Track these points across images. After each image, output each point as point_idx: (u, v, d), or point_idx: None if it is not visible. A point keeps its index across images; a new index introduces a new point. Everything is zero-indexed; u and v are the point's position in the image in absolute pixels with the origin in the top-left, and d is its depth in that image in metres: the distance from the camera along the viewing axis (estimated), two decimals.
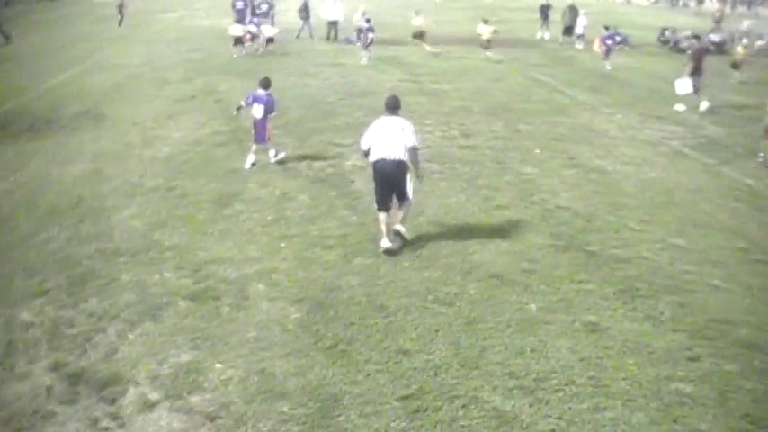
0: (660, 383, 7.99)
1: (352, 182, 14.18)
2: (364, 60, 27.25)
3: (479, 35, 30.33)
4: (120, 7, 37.49)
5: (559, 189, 14.16)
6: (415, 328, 8.93)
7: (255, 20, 31.01)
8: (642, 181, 14.89)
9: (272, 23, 32.30)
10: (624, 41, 35.38)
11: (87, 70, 25.92)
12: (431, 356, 8.34)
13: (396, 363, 8.20)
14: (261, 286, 9.89)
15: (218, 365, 8.06)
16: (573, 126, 19.47)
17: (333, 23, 33.92)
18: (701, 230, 12.43)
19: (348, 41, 33.01)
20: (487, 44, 29.69)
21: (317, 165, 15.15)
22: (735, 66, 27.78)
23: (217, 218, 12.25)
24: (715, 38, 36.00)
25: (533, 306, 9.58)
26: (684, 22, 40.27)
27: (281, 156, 15.24)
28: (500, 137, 17.94)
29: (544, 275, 10.45)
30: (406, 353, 8.40)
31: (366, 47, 27.80)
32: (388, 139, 10.92)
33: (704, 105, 21.35)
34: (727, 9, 54.82)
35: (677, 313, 9.52)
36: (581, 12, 36.44)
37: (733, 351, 8.69)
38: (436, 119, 19.17)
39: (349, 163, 15.34)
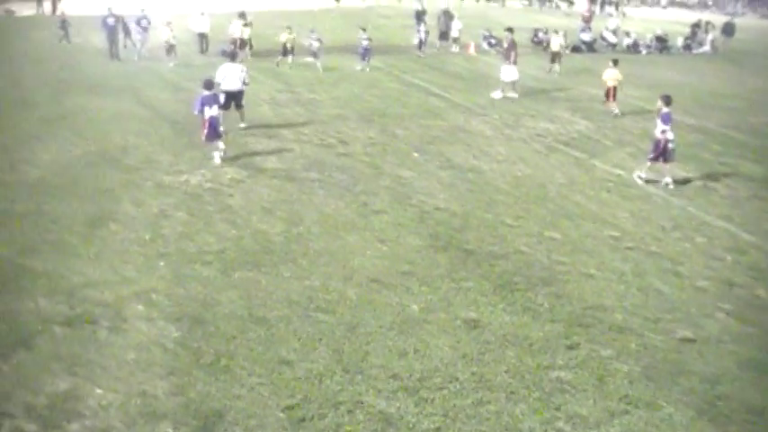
0: (541, 373, 8.23)
1: (230, 196, 14.01)
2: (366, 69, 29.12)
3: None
4: (64, 24, 36.05)
5: (436, 191, 14.38)
6: (298, 338, 8.92)
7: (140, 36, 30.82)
8: (516, 178, 15.28)
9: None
10: (499, 43, 36.13)
11: None
12: (313, 365, 8.34)
13: (278, 374, 8.17)
14: (139, 307, 9.66)
15: (98, 391, 7.83)
16: (449, 128, 19.81)
17: (202, 36, 33.47)
18: (574, 222, 12.84)
19: (223, 53, 32.44)
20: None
21: (194, 180, 14.89)
22: (553, 59, 30.46)
23: (91, 240, 11.87)
24: (586, 37, 37.25)
25: (414, 307, 9.70)
26: (558, 24, 41.40)
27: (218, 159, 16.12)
28: (377, 142, 18.09)
29: (423, 276, 10.59)
30: (288, 363, 8.38)
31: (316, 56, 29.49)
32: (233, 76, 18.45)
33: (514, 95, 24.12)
34: (597, 10, 56.81)
35: (554, 304, 9.82)
36: (455, 16, 37.05)
37: (609, 336, 9.04)
38: (313, 128, 19.22)
39: (227, 177, 15.12)
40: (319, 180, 14.97)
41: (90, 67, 28.51)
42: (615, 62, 22.15)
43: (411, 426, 7.26)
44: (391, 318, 9.38)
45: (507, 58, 24.56)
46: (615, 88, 21.83)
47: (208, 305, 9.69)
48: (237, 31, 31.90)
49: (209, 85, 16.18)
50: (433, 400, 7.69)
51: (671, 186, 14.87)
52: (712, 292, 10.29)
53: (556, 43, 30.82)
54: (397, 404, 7.60)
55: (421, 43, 34.39)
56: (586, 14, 44.12)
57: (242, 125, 18.99)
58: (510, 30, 26.04)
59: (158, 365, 8.30)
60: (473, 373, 8.19)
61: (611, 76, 21.93)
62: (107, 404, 7.56)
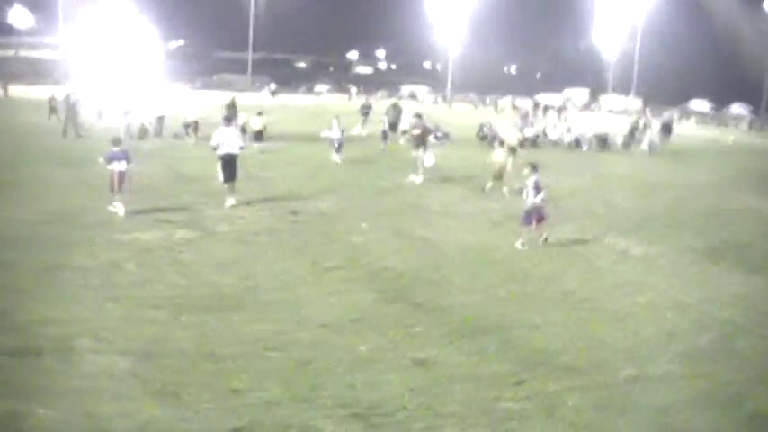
0: (489, 404, 8.36)
1: (181, 252, 14.08)
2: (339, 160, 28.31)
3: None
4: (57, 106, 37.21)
5: (386, 254, 14.62)
6: (247, 372, 8.89)
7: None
8: (464, 245, 15.61)
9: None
10: (446, 137, 37.27)
11: None
12: (263, 394, 8.35)
13: (227, 401, 8.14)
14: (86, 341, 9.61)
15: (41, 411, 7.71)
16: (398, 203, 20.24)
17: (159, 119, 34.34)
18: (521, 283, 13.11)
19: (176, 136, 33.44)
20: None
21: (146, 237, 14.98)
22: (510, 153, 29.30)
23: (42, 284, 11.84)
24: (528, 133, 38.39)
25: (363, 348, 9.79)
26: (498, 121, 43.04)
27: (123, 210, 16.87)
28: (327, 213, 18.43)
29: (372, 323, 10.73)
30: (237, 392, 8.39)
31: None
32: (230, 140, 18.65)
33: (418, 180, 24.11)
34: (539, 113, 59.22)
35: (501, 348, 9.98)
36: (403, 110, 38.15)
37: (555, 375, 9.20)
38: (264, 201, 19.40)
39: (177, 236, 15.22)
40: (270, 243, 15.10)
41: (44, 141, 28.68)
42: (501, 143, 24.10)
43: None
44: (340, 356, 9.44)
45: (421, 144, 25.60)
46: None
47: (157, 342, 9.67)
48: (256, 123, 33.80)
49: (116, 142, 17.78)
50: (382, 425, 7.74)
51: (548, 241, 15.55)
52: (655, 341, 10.54)
53: (512, 137, 30.06)
54: (346, 428, 7.61)
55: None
56: (523, 111, 45.71)
57: (232, 202, 18.76)
58: (418, 115, 27.12)
59: (105, 391, 8.25)
60: (422, 403, 8.25)
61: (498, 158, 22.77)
62: (50, 424, 7.45)
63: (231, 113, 19.74)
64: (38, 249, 13.77)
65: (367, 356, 9.51)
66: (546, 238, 15.64)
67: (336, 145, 28.31)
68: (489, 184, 22.41)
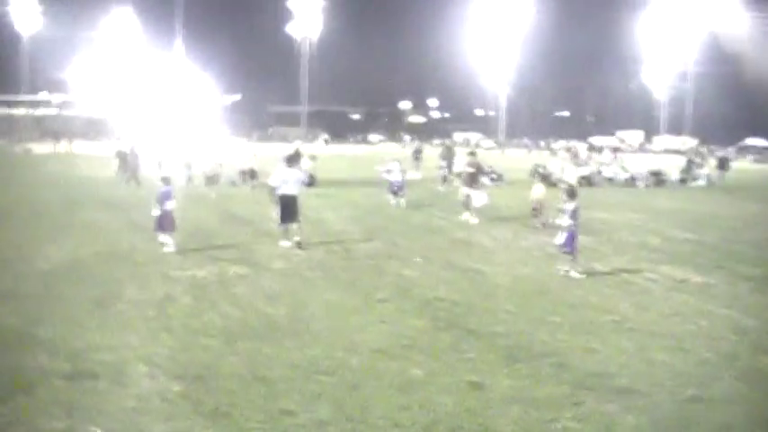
0: (546, 424, 8.14)
1: (235, 286, 14.18)
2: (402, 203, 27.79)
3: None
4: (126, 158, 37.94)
5: (438, 285, 14.54)
6: (298, 394, 8.83)
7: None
8: (517, 276, 15.48)
9: None
10: (500, 178, 37.30)
11: None
12: (313, 415, 8.28)
13: (278, 421, 8.08)
14: (140, 367, 9.67)
15: (96, 430, 7.75)
16: (451, 240, 20.16)
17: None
18: (575, 309, 12.90)
19: (233, 183, 34.23)
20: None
21: (201, 273, 15.15)
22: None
23: (96, 315, 12.02)
24: (584, 171, 38.21)
25: (417, 371, 9.66)
26: (550, 162, 43.04)
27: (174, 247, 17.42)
28: (380, 250, 18.43)
29: (425, 348, 10.61)
30: (288, 412, 8.33)
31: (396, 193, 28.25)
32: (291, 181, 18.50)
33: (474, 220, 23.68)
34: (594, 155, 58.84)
35: (557, 371, 9.76)
36: (456, 152, 38.24)
37: (613, 396, 8.94)
38: (319, 240, 19.47)
39: (231, 271, 15.35)
40: (323, 277, 15.12)
41: (97, 190, 29.37)
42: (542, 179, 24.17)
43: None
44: (392, 379, 9.33)
45: (474, 182, 24.97)
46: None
47: (210, 367, 9.68)
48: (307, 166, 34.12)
49: (166, 181, 18.14)
50: None
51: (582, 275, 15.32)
52: (717, 363, 10.24)
53: (572, 175, 29.84)
54: None
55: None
56: (573, 151, 45.53)
57: (287, 244, 18.50)
58: (473, 153, 26.96)
59: (158, 412, 8.26)
60: (478, 424, 8.09)
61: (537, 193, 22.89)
62: None
63: (294, 159, 19.52)
64: (93, 284, 14.01)
65: (420, 379, 9.39)
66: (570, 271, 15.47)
67: (396, 188, 28.08)
68: (535, 221, 22.25)
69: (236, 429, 7.84)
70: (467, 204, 24.35)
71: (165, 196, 17.66)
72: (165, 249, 17.40)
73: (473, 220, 23.55)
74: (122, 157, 38.41)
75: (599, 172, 40.88)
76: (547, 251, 18.41)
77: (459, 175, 35.29)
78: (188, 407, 8.41)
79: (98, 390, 8.87)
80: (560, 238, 15.70)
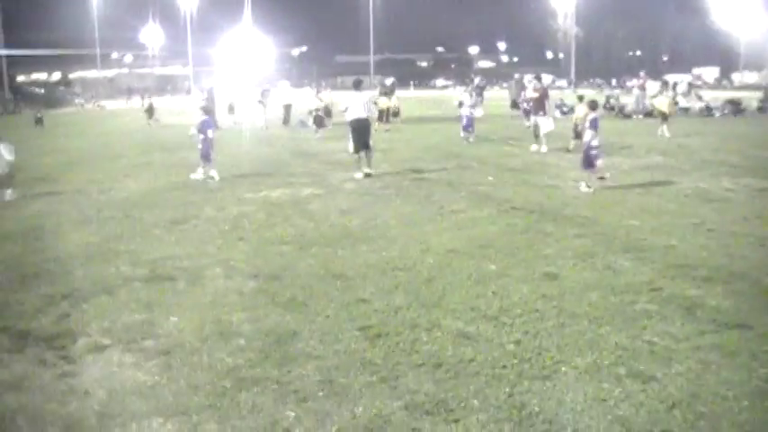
0: (624, 306, 7.95)
1: (309, 204, 14.22)
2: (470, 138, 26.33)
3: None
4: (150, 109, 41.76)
5: (513, 197, 14.31)
6: (374, 286, 8.81)
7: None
8: (589, 193, 15.09)
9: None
10: (572, 110, 36.43)
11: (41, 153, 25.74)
12: (390, 302, 8.23)
13: (354, 308, 8.06)
14: (217, 269, 9.78)
15: (173, 319, 7.87)
16: (525, 161, 19.97)
17: (287, 107, 35.33)
18: (654, 215, 12.64)
19: (302, 125, 34.18)
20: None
21: (274, 194, 15.30)
22: (663, 119, 27.75)
23: (172, 231, 12.21)
24: (658, 102, 37.13)
25: (492, 267, 9.56)
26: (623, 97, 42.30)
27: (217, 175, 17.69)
28: (453, 171, 18.30)
29: (501, 248, 10.48)
30: (364, 301, 8.31)
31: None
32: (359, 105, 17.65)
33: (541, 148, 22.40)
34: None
35: (636, 264, 9.54)
36: (528, 86, 37.46)
37: (694, 284, 8.67)
38: (390, 164, 19.44)
39: (305, 192, 15.41)
40: (396, 195, 15.07)
41: (169, 137, 29.75)
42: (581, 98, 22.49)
43: (489, 340, 7.04)
44: (468, 273, 9.24)
45: (540, 109, 23.49)
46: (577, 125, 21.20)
47: (286, 268, 9.73)
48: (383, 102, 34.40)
49: (206, 110, 18.77)
50: (512, 324, 7.47)
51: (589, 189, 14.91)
52: None
53: (663, 103, 28.53)
54: (476, 326, 7.40)
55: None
56: (641, 82, 44.26)
57: (360, 175, 17.61)
58: (538, 78, 25.94)
59: (234, 304, 8.32)
60: (553, 306, 7.94)
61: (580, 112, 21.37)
62: (181, 328, 7.57)
63: (359, 84, 19.13)
64: (168, 208, 14.26)
65: (496, 272, 9.27)
66: (602, 177, 15.31)
67: (465, 122, 26.81)
68: (572, 143, 21.68)
69: (313, 315, 7.83)
70: (535, 132, 23.19)
71: (207, 125, 17.93)
72: (211, 177, 17.74)
73: (543, 148, 22.39)
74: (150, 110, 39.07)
75: (675, 103, 39.62)
76: (623, 169, 18.01)
77: (526, 101, 34.91)
78: (264, 299, 8.47)
79: (176, 289, 8.99)
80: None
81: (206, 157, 17.86)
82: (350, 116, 17.97)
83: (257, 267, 9.79)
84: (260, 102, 36.12)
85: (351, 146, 18.13)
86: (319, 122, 30.95)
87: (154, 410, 5.73)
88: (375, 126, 26.30)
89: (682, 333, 7.08)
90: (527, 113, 30.67)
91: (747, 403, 5.58)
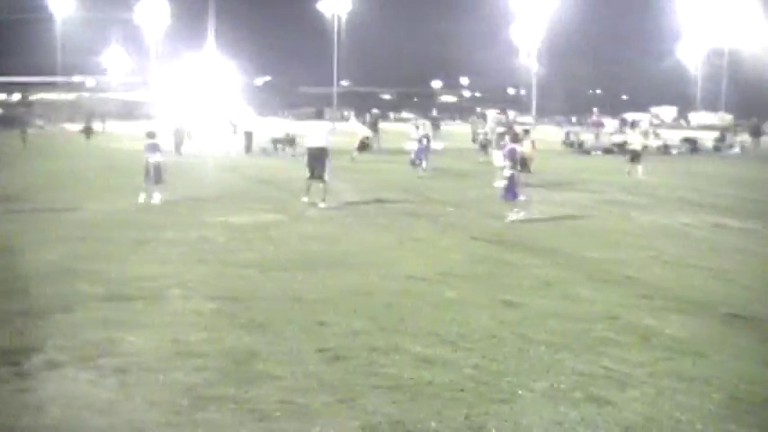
0: (582, 333, 8.07)
1: (270, 230, 14.22)
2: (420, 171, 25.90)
3: None
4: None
5: (471, 226, 14.39)
6: (334, 310, 8.81)
7: None
8: (555, 219, 15.30)
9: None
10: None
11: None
12: (349, 326, 8.24)
13: (314, 331, 8.06)
14: (176, 290, 9.73)
15: (131, 338, 7.79)
16: (484, 195, 19.97)
17: (248, 134, 35.67)
18: (613, 247, 12.77)
19: (264, 151, 34.46)
20: None
21: (236, 219, 15.26)
22: (633, 158, 26.83)
23: (134, 252, 12.11)
24: (616, 139, 37.90)
25: (451, 293, 9.63)
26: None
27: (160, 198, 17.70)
28: (413, 203, 18.39)
29: (461, 276, 10.63)
30: (324, 324, 8.32)
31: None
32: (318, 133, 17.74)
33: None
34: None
35: (594, 294, 9.70)
36: (489, 120, 38.10)
37: (651, 313, 8.89)
38: (352, 195, 19.50)
39: (266, 218, 15.42)
40: (357, 222, 15.16)
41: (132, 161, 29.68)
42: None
43: (448, 363, 7.08)
44: (428, 300, 9.30)
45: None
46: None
47: (246, 290, 9.72)
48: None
49: (150, 134, 18.74)
50: (471, 348, 7.53)
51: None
52: (758, 289, 10.19)
53: (636, 141, 27.42)
54: (435, 350, 7.45)
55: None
56: (595, 119, 45.12)
57: (321, 205, 17.16)
58: (503, 111, 25.93)
59: (193, 324, 8.28)
60: (512, 332, 8.03)
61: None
62: (139, 348, 7.50)
63: (320, 114, 19.28)
64: (130, 229, 14.11)
65: (455, 299, 9.35)
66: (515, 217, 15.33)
67: (414, 156, 26.31)
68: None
69: (272, 337, 7.82)
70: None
71: (148, 149, 18.29)
72: (151, 201, 17.81)
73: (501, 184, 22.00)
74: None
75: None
76: (582, 203, 18.28)
77: (489, 141, 35.10)
78: (224, 320, 8.44)
79: (134, 309, 8.91)
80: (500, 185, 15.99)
81: (149, 179, 18.12)
82: (307, 143, 18.20)
83: (217, 289, 9.76)
84: (233, 130, 36.55)
85: (307, 172, 17.90)
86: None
87: (109, 427, 5.67)
88: (353, 154, 26.51)
89: (638, 359, 7.18)
90: (483, 147, 30.88)
91: (701, 426, 5.68)
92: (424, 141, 26.81)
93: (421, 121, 30.95)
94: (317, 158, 17.56)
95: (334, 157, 18.65)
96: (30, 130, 46.39)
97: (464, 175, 26.45)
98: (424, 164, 25.83)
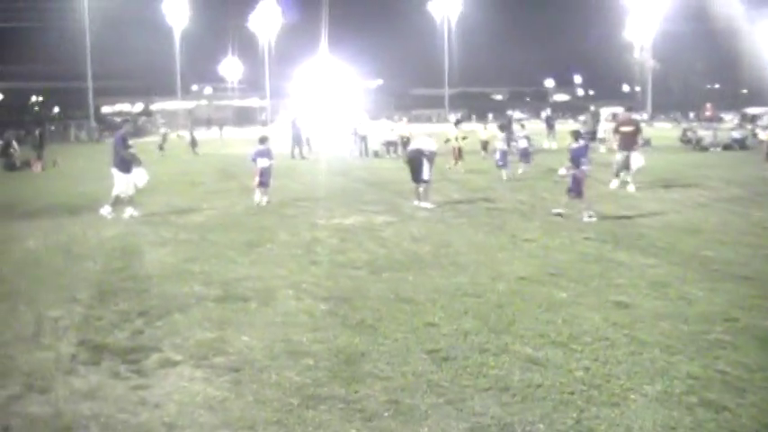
0: (697, 336, 7.80)
1: (381, 231, 14.33)
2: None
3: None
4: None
5: (585, 228, 14.15)
6: (443, 311, 8.82)
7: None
8: (666, 222, 14.91)
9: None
10: (647, 143, 36.01)
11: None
12: (459, 327, 8.23)
13: (423, 332, 8.08)
14: (289, 291, 9.92)
15: (244, 338, 7.99)
16: (597, 193, 19.55)
17: (363, 138, 36.03)
18: (730, 246, 12.37)
19: (377, 154, 34.89)
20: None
21: (348, 221, 15.48)
22: None
23: (247, 253, 12.44)
24: (737, 134, 36.59)
25: (563, 295, 9.47)
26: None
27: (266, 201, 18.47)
28: (525, 203, 18.22)
29: (572, 277, 10.38)
30: (433, 325, 8.33)
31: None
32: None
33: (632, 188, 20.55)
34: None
35: (710, 295, 9.35)
36: (602, 117, 37.16)
37: None
38: (463, 193, 19.44)
39: (378, 220, 15.53)
40: (468, 223, 15.07)
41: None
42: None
43: (558, 366, 6.97)
44: (539, 300, 9.17)
45: (632, 144, 21.11)
46: None
47: (356, 291, 9.81)
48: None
49: (263, 140, 19.06)
50: (582, 350, 7.39)
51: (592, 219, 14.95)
52: None
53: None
54: (545, 352, 7.35)
55: None
56: (709, 114, 43.46)
57: (421, 205, 17.62)
58: (630, 108, 24.72)
59: (304, 325, 8.43)
60: (624, 335, 7.84)
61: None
62: (251, 347, 7.69)
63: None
64: (243, 231, 14.52)
65: (567, 301, 9.19)
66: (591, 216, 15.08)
67: (499, 156, 24.59)
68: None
69: (381, 338, 7.87)
70: (618, 169, 21.16)
71: (259, 154, 18.64)
72: (257, 201, 18.48)
73: (631, 187, 20.39)
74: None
75: (754, 135, 38.89)
76: (698, 201, 17.78)
77: (602, 141, 34.23)
78: (334, 321, 8.55)
79: (248, 309, 9.14)
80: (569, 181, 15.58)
81: (261, 184, 18.63)
82: (410, 146, 19.24)
83: (328, 290, 9.89)
84: (354, 133, 37.27)
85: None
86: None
87: (221, 424, 5.82)
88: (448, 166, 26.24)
89: (756, 364, 6.91)
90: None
91: None
92: (524, 143, 26.10)
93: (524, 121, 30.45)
94: (416, 160, 17.90)
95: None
96: (155, 137, 48.30)
97: None
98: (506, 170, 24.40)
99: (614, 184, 20.90)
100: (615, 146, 21.56)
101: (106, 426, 5.84)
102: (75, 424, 5.89)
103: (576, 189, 15.37)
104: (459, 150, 27.33)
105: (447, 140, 27.23)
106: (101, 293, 9.93)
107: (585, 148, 15.65)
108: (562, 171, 15.52)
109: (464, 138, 27.72)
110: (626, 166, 20.87)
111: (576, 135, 15.80)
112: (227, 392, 6.43)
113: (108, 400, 6.34)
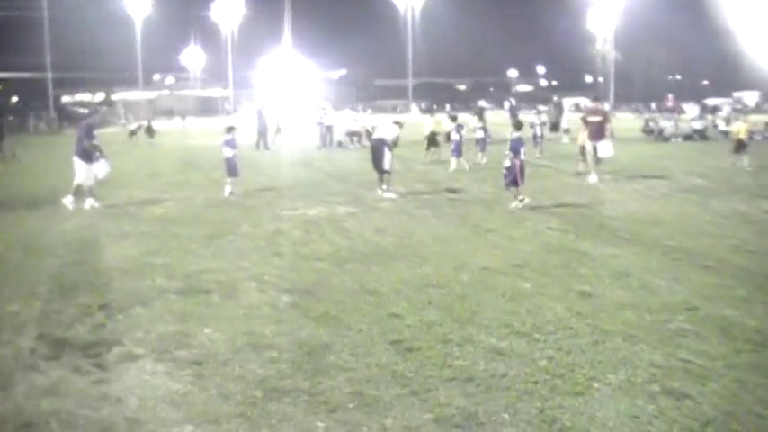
0: (659, 325, 7.88)
1: (344, 222, 14.29)
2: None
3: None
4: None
5: (549, 219, 14.22)
6: (407, 302, 8.81)
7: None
8: (629, 212, 15.03)
9: None
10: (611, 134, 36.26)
11: None
12: (423, 317, 8.22)
13: (387, 323, 8.07)
14: (252, 283, 9.85)
15: (206, 330, 7.92)
16: (557, 185, 19.67)
17: (328, 128, 35.89)
18: (692, 236, 12.52)
19: (341, 144, 34.82)
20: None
21: (311, 213, 15.41)
22: (738, 149, 24.71)
23: (210, 245, 12.33)
24: (697, 125, 36.97)
25: (526, 285, 9.51)
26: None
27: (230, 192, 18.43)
28: (487, 193, 18.31)
29: (535, 267, 10.44)
30: (397, 316, 8.31)
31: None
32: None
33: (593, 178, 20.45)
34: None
35: (672, 284, 9.44)
36: (565, 108, 37.37)
37: (731, 303, 8.56)
38: (426, 185, 19.45)
39: (341, 211, 15.49)
40: (431, 214, 15.10)
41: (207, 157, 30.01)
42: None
43: (522, 355, 6.99)
44: (502, 291, 9.19)
45: (599, 135, 20.75)
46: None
47: (320, 283, 9.76)
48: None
49: (229, 129, 19.14)
50: (545, 340, 7.42)
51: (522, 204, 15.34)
52: None
53: (742, 129, 24.85)
54: (508, 342, 7.37)
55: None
56: (670, 105, 43.90)
57: (384, 194, 17.89)
58: (596, 98, 24.77)
59: (267, 317, 8.37)
60: (588, 324, 7.88)
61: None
62: (214, 339, 7.62)
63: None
64: (205, 224, 14.35)
65: (530, 291, 9.22)
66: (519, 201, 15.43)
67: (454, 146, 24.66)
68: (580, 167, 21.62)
69: (345, 329, 7.84)
70: (594, 158, 20.76)
71: (227, 144, 18.71)
72: (225, 193, 18.46)
73: (593, 177, 20.29)
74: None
75: (714, 126, 39.41)
76: (660, 191, 17.92)
77: (566, 131, 34.48)
78: (297, 313, 8.50)
79: (210, 302, 9.06)
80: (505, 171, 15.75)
81: (230, 173, 18.75)
82: (374, 135, 19.46)
83: (292, 282, 9.84)
84: (319, 123, 36.96)
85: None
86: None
87: (184, 418, 5.76)
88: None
89: (717, 352, 6.98)
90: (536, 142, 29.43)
91: None
92: (481, 133, 26.85)
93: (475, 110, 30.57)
94: (377, 150, 18.07)
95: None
96: (116, 128, 47.86)
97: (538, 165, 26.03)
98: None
99: (593, 178, 20.40)
100: (583, 137, 21.40)
101: (67, 422, 5.75)
102: (35, 420, 5.79)
103: (511, 177, 15.46)
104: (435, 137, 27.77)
105: (435, 134, 27.40)
106: (61, 287, 9.77)
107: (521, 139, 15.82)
108: (507, 163, 15.44)
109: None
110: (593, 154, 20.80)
111: (518, 126, 15.81)
112: (190, 386, 6.36)
113: (69, 395, 6.24)
